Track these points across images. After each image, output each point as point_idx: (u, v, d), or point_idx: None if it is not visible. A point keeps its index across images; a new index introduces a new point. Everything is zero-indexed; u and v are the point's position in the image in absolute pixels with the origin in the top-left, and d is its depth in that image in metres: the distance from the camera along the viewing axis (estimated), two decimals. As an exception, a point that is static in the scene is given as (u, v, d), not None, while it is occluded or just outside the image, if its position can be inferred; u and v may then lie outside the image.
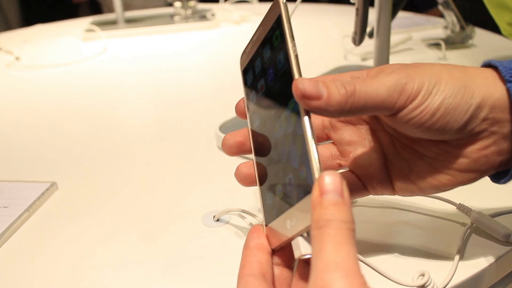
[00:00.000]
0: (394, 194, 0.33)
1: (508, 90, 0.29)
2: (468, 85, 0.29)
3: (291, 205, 0.25)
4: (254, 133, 0.32)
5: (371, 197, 0.43)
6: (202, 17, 1.21)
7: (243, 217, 0.41)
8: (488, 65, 0.31)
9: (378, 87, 0.28)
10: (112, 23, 1.20)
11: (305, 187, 0.24)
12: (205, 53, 0.98)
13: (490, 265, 0.35)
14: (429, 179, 0.31)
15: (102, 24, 1.16)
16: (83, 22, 1.24)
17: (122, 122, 0.69)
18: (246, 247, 0.27)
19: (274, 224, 0.27)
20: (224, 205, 0.42)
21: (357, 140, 0.34)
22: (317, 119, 0.35)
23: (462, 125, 0.29)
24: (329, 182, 0.23)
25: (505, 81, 0.29)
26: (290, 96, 0.26)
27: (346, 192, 0.23)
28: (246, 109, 0.33)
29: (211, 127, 0.56)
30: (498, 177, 0.31)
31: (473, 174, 0.30)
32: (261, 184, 0.31)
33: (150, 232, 0.41)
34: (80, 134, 0.63)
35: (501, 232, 0.36)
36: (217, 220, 0.41)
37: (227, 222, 0.41)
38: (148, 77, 0.86)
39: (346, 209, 0.22)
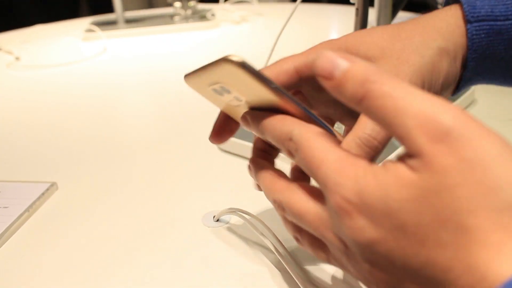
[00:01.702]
0: None
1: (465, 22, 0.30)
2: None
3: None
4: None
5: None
6: (202, 17, 1.21)
7: (243, 217, 0.41)
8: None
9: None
10: (112, 23, 1.20)
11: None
12: (205, 53, 0.98)
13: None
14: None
15: (102, 24, 1.16)
16: (83, 22, 1.24)
17: (122, 122, 0.69)
18: None
19: None
20: (224, 205, 0.42)
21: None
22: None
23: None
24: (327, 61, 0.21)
25: (466, 21, 0.30)
26: None
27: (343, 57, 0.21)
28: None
29: (211, 126, 0.56)
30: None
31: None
32: None
33: (150, 232, 0.41)
34: (80, 134, 0.63)
35: None
36: (217, 220, 0.42)
37: (227, 222, 0.41)
38: (148, 77, 0.86)
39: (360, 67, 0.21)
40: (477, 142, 0.19)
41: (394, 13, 0.59)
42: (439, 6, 0.87)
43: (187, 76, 0.31)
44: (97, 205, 0.46)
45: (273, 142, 0.27)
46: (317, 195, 0.25)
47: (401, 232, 0.19)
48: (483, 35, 0.30)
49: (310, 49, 0.33)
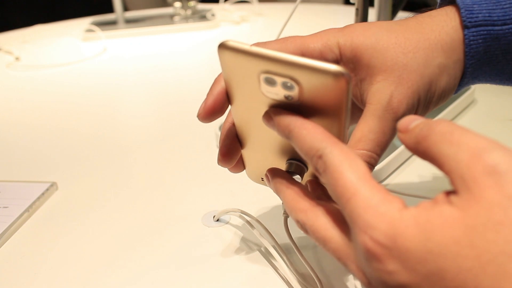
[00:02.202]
0: None
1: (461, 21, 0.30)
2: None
3: None
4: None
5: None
6: (202, 17, 1.21)
7: (242, 217, 0.41)
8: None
9: None
10: (112, 23, 1.20)
11: None
12: (205, 53, 0.98)
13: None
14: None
15: (102, 24, 1.16)
16: (83, 22, 1.24)
17: (122, 122, 0.69)
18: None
19: None
20: (224, 205, 0.42)
21: None
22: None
23: None
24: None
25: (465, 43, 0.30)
26: None
27: None
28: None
29: (211, 127, 0.56)
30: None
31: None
32: None
33: (150, 232, 0.41)
34: (80, 134, 0.63)
35: None
36: (217, 220, 0.42)
37: (227, 222, 0.41)
38: (148, 77, 0.86)
39: None
40: None
41: (394, 13, 0.59)
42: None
43: (231, 47, 0.25)
44: (97, 205, 0.46)
45: (299, 152, 0.26)
46: (343, 222, 0.24)
47: (438, 277, 0.19)
48: (480, 41, 0.30)
49: (316, 35, 0.31)
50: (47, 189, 0.48)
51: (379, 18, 0.57)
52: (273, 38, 0.58)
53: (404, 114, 0.29)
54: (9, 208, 0.44)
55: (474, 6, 0.30)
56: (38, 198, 0.46)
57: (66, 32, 1.19)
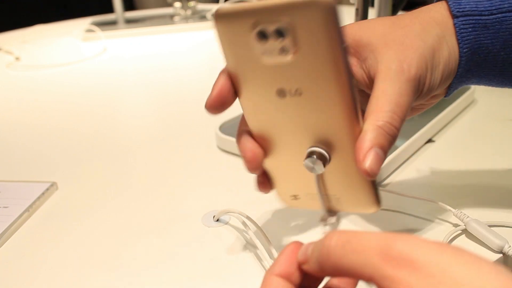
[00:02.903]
0: None
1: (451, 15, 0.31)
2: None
3: None
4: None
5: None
6: (202, 17, 1.21)
7: (242, 218, 0.41)
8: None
9: None
10: (112, 23, 1.20)
11: None
12: (205, 53, 0.98)
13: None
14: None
15: (102, 24, 1.16)
16: (83, 22, 1.24)
17: (122, 122, 0.69)
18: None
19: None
20: (224, 205, 0.42)
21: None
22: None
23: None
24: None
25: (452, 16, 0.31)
26: None
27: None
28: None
29: (211, 127, 0.56)
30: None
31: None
32: None
33: (150, 231, 0.41)
34: (80, 134, 0.63)
35: (495, 242, 0.35)
36: (217, 220, 0.42)
37: (227, 222, 0.41)
38: (148, 77, 0.86)
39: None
40: (433, 256, 0.18)
41: (394, 13, 0.59)
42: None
43: (222, 13, 0.26)
44: (97, 205, 0.46)
45: None
46: None
47: None
48: (469, 29, 0.31)
49: None
50: (47, 189, 0.48)
51: (379, 18, 0.57)
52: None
53: (416, 77, 0.29)
54: (9, 208, 0.44)
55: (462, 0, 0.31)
56: (38, 198, 0.46)
57: (66, 32, 1.19)
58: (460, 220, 0.38)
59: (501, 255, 0.35)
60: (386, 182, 0.46)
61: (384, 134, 0.27)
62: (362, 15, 0.55)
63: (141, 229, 0.42)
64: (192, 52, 1.01)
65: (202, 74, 0.85)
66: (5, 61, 0.99)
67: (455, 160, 0.49)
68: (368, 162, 0.26)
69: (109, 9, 1.26)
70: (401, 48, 0.30)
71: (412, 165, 0.48)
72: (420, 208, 0.41)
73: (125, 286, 0.35)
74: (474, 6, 0.31)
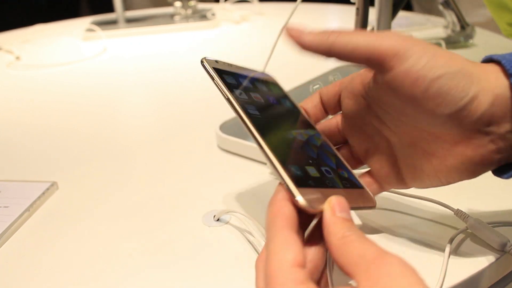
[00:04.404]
0: (409, 187, 0.35)
1: (511, 85, 0.27)
2: (467, 73, 0.28)
3: (335, 187, 0.30)
4: (252, 117, 0.33)
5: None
6: (202, 16, 1.21)
7: (242, 217, 0.41)
8: (489, 60, 0.30)
9: (374, 40, 0.29)
10: (112, 23, 1.20)
11: (350, 183, 0.32)
12: (205, 53, 0.98)
13: (482, 271, 0.34)
14: (432, 175, 0.32)
15: (102, 24, 1.16)
16: (83, 22, 1.24)
17: (122, 122, 0.69)
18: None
19: (309, 191, 0.29)
20: (224, 205, 0.42)
21: (368, 145, 0.35)
22: (332, 124, 0.37)
23: (454, 112, 0.28)
24: (341, 203, 0.27)
25: (508, 75, 0.27)
26: (310, 126, 0.36)
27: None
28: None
29: (211, 127, 0.56)
30: (501, 171, 0.31)
31: (472, 172, 0.30)
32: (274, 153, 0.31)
33: (150, 231, 0.41)
34: (80, 134, 0.63)
35: (497, 240, 0.35)
36: (217, 219, 0.42)
37: (227, 222, 0.41)
38: (148, 77, 0.86)
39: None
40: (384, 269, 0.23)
41: (394, 13, 0.59)
42: (440, 6, 0.87)
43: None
44: (97, 204, 0.46)
45: None
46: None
47: None
48: None
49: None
50: (48, 189, 0.48)
51: (380, 17, 0.57)
52: (274, 37, 0.58)
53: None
54: (9, 208, 0.44)
55: None
56: (39, 197, 0.46)
57: (66, 32, 1.19)
58: (461, 219, 0.38)
59: (503, 254, 0.35)
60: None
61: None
62: (363, 15, 0.55)
63: (141, 229, 0.42)
64: (193, 51, 1.01)
65: (202, 74, 0.85)
66: (5, 61, 0.99)
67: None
68: None
69: (108, 9, 1.26)
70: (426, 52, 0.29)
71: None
72: (420, 208, 0.41)
73: (125, 285, 0.35)
74: None
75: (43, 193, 0.47)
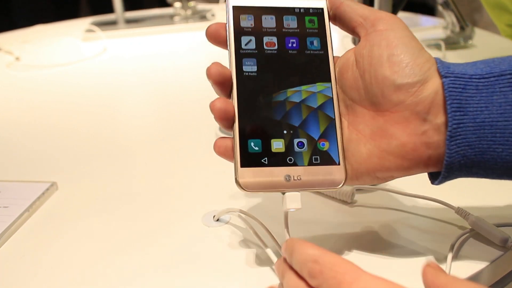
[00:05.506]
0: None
1: (443, 84, 0.30)
2: (430, 59, 0.31)
3: (297, 164, 0.30)
4: (244, 76, 0.32)
5: (369, 197, 0.43)
6: (202, 17, 1.21)
7: (242, 217, 0.41)
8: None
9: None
10: (112, 23, 1.21)
11: (324, 158, 0.31)
12: (205, 53, 0.98)
13: (484, 269, 0.34)
14: (365, 162, 0.32)
15: (102, 24, 1.16)
16: (83, 22, 1.24)
17: (122, 122, 0.69)
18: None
19: (259, 170, 0.29)
20: (224, 205, 0.42)
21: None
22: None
23: (404, 84, 0.30)
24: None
25: (441, 76, 0.30)
26: (322, 79, 0.33)
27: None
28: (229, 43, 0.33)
29: (211, 127, 0.56)
30: (434, 177, 0.33)
31: (400, 161, 0.31)
32: (240, 126, 0.31)
33: (150, 231, 0.41)
34: (80, 134, 0.63)
35: (498, 236, 0.35)
36: (217, 220, 0.42)
37: (227, 222, 0.41)
38: (148, 77, 0.86)
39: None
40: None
41: (394, 13, 0.59)
42: (439, 7, 0.87)
43: None
44: (97, 205, 0.46)
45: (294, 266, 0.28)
46: None
47: None
48: (459, 88, 0.30)
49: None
50: (47, 189, 0.48)
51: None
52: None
53: None
54: (9, 208, 0.44)
55: (450, 65, 0.32)
56: (38, 198, 0.46)
57: (66, 32, 1.20)
58: (462, 217, 0.38)
59: (505, 250, 0.35)
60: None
61: None
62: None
63: (141, 229, 0.42)
64: (192, 52, 1.01)
65: (202, 74, 0.85)
66: (5, 61, 0.99)
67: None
68: None
69: (108, 9, 1.26)
70: None
71: (412, 165, 0.48)
72: (421, 206, 0.41)
73: (125, 285, 0.35)
74: (463, 70, 0.30)
75: (43, 194, 0.47)
